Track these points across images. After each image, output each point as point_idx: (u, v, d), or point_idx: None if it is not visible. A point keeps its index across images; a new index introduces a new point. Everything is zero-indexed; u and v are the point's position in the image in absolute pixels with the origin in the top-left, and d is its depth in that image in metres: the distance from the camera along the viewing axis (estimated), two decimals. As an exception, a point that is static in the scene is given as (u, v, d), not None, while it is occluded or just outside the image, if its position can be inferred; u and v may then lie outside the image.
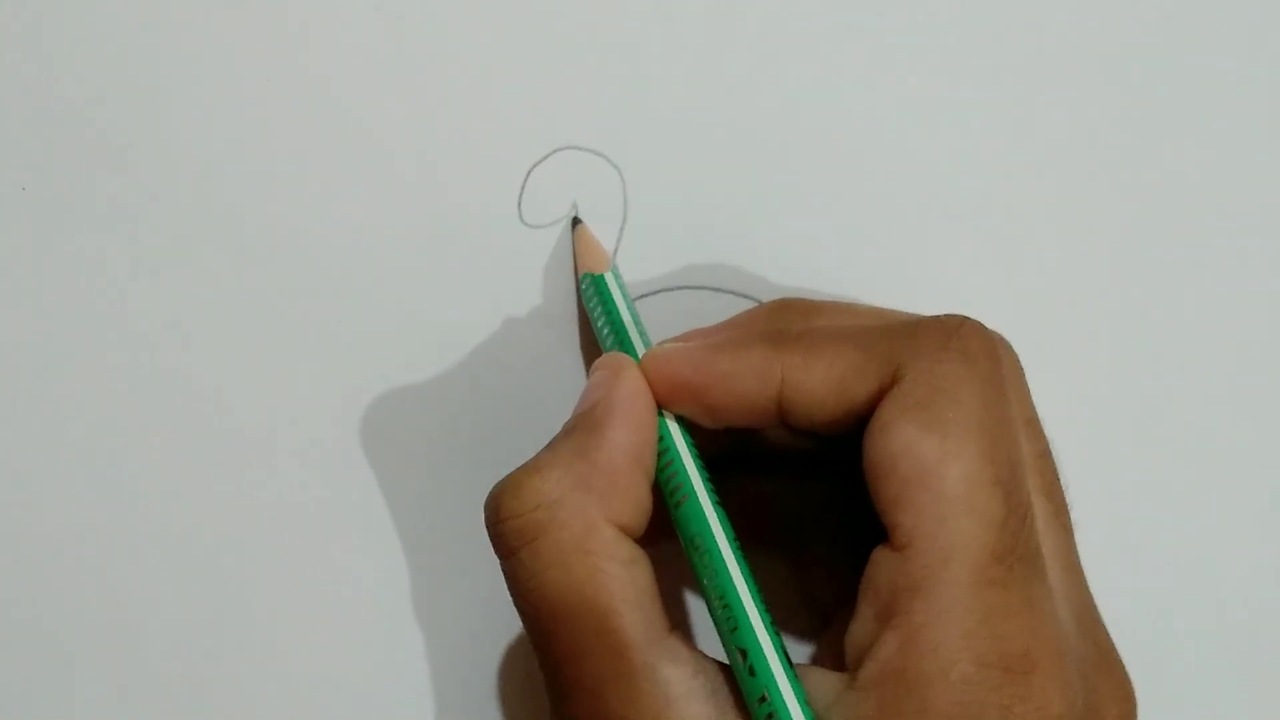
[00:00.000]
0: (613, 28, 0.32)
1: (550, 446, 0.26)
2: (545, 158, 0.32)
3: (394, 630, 0.32)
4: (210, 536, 0.32)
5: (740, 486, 0.28)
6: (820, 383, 0.25)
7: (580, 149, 0.32)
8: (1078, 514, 0.31)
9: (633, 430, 0.25)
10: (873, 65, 0.33)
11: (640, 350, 0.28)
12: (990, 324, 0.30)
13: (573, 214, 0.32)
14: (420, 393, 0.32)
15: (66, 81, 0.32)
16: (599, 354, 0.29)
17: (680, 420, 0.27)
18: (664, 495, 0.26)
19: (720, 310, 0.32)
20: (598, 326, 0.30)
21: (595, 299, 0.30)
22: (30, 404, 0.32)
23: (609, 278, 0.30)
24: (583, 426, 0.26)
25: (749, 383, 0.25)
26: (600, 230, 0.32)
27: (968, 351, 0.24)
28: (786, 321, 0.28)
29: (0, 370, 0.32)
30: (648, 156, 0.32)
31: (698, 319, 0.32)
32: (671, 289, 0.32)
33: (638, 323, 0.29)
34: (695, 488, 0.26)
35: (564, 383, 0.32)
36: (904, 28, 0.33)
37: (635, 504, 0.25)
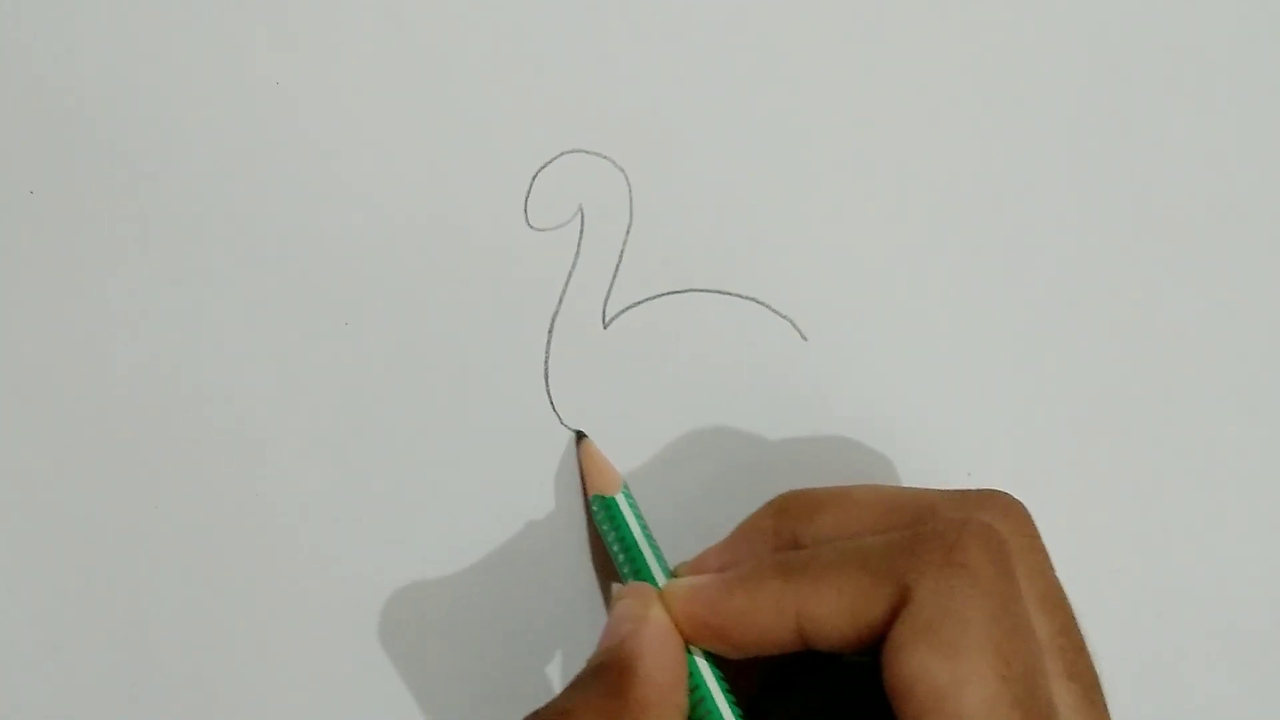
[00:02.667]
0: (619, 31, 0.32)
1: (578, 686, 0.25)
2: (551, 161, 0.32)
3: (396, 629, 0.32)
4: (212, 536, 0.32)
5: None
6: (833, 611, 0.24)
7: (586, 152, 0.32)
8: (1079, 512, 0.31)
9: (665, 669, 0.25)
10: (878, 68, 0.33)
11: (659, 576, 0.28)
12: (991, 325, 0.30)
13: (577, 430, 0.32)
14: (422, 397, 0.32)
15: (74, 85, 0.32)
16: (603, 558, 0.30)
17: (708, 654, 0.27)
18: None
19: (725, 313, 0.32)
20: (611, 548, 0.30)
21: (607, 521, 0.30)
22: (35, 404, 0.32)
23: (620, 500, 0.30)
24: (613, 665, 0.25)
25: (766, 618, 0.25)
26: (606, 233, 0.32)
27: (971, 565, 0.24)
28: (797, 530, 0.27)
29: (5, 370, 0.32)
30: (654, 159, 0.32)
31: (702, 322, 0.32)
32: (677, 292, 0.32)
33: (652, 544, 0.29)
34: None
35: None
36: (909, 32, 0.33)
37: None
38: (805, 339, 0.32)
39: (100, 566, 0.32)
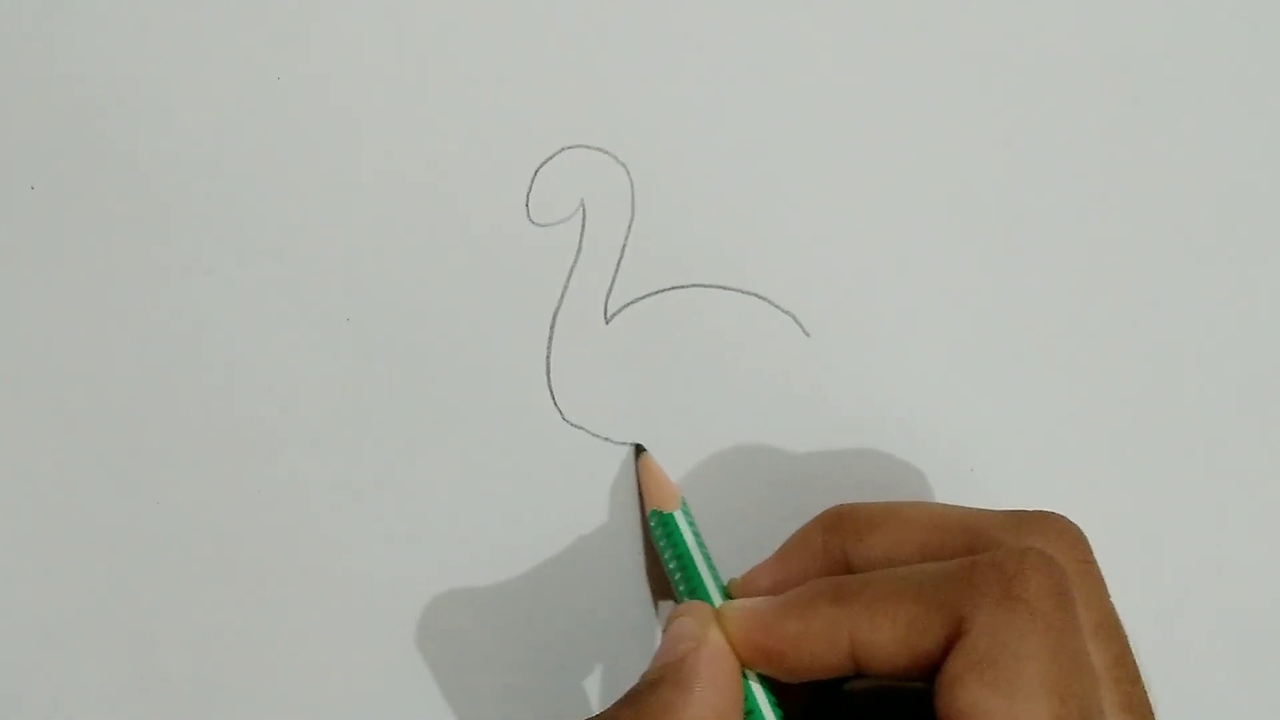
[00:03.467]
0: (621, 25, 0.32)
1: (633, 701, 0.25)
2: (553, 156, 0.32)
3: (400, 629, 0.32)
4: (213, 533, 0.32)
5: None
6: (888, 639, 0.24)
7: (588, 147, 0.32)
8: (1082, 509, 0.31)
9: (722, 690, 0.25)
10: (881, 63, 0.33)
11: (714, 595, 0.28)
12: (995, 321, 0.30)
13: (636, 444, 0.32)
14: (423, 393, 0.32)
15: (74, 80, 0.32)
16: (657, 571, 0.30)
17: (761, 678, 0.27)
18: None
19: (728, 308, 0.32)
20: (667, 564, 0.30)
21: (664, 538, 0.30)
22: (37, 401, 0.32)
23: (679, 517, 0.30)
24: (670, 681, 0.25)
25: (819, 643, 0.25)
26: (608, 228, 0.32)
27: (1029, 599, 0.24)
28: (847, 547, 0.27)
29: (7, 368, 0.32)
30: (655, 154, 0.32)
31: (704, 317, 0.32)
32: (679, 287, 0.32)
33: (709, 561, 0.29)
34: None
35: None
36: (913, 26, 0.33)
37: None
38: (808, 335, 0.32)
39: (101, 566, 0.32)
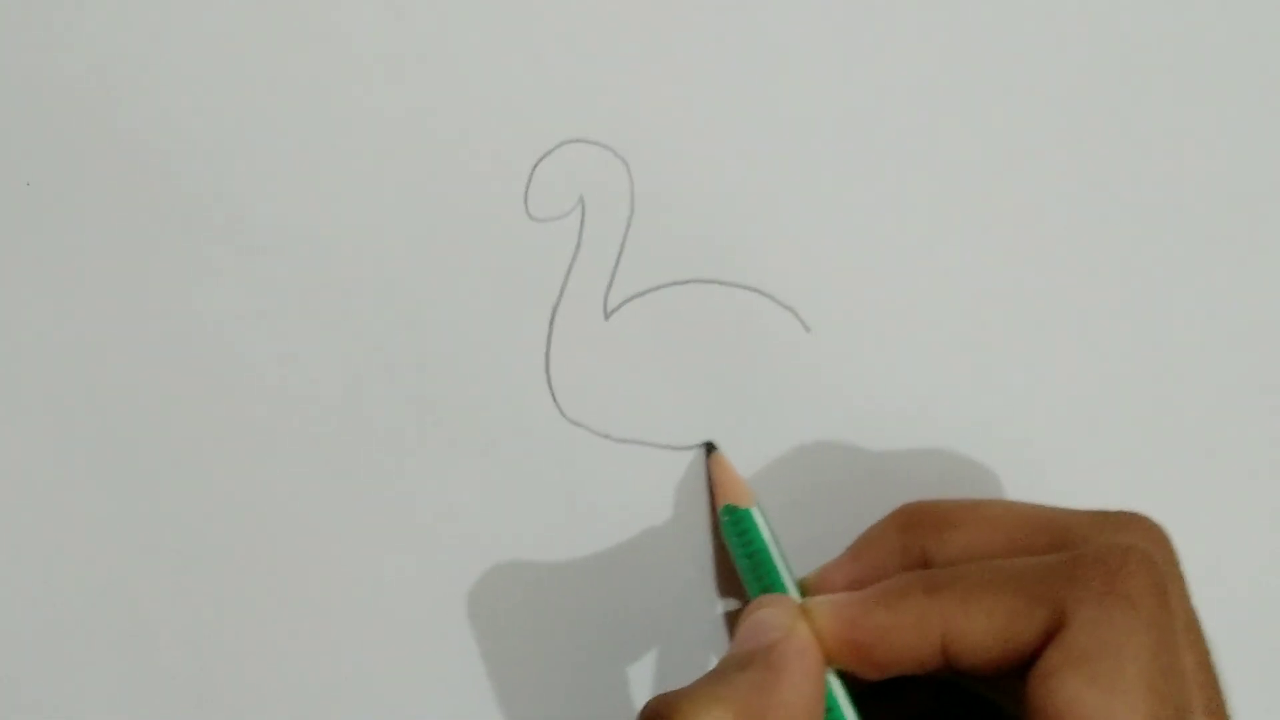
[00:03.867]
0: (619, 20, 0.32)
1: (723, 677, 0.25)
2: (552, 150, 0.32)
3: (398, 627, 0.32)
4: (211, 535, 0.32)
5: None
6: (983, 632, 0.24)
7: (587, 142, 0.32)
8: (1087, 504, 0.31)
9: (810, 681, 0.25)
10: (881, 58, 0.33)
11: (793, 592, 0.28)
12: (996, 316, 0.30)
13: (707, 442, 0.32)
14: (422, 389, 0.32)
15: (71, 77, 0.32)
16: (726, 566, 0.30)
17: (839, 675, 0.27)
18: None
19: (728, 304, 0.32)
20: (740, 560, 0.30)
21: (738, 534, 0.30)
22: (34, 401, 0.32)
23: (755, 513, 0.30)
24: (760, 665, 0.25)
25: (909, 636, 0.25)
26: (607, 224, 0.32)
27: (1131, 594, 0.24)
28: (927, 545, 0.27)
29: (3, 366, 0.32)
30: (655, 149, 0.32)
31: (704, 313, 0.32)
32: (679, 283, 0.32)
33: (784, 558, 0.29)
34: None
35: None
36: (913, 24, 0.33)
37: None
38: (808, 330, 0.32)
39: (101, 566, 0.32)
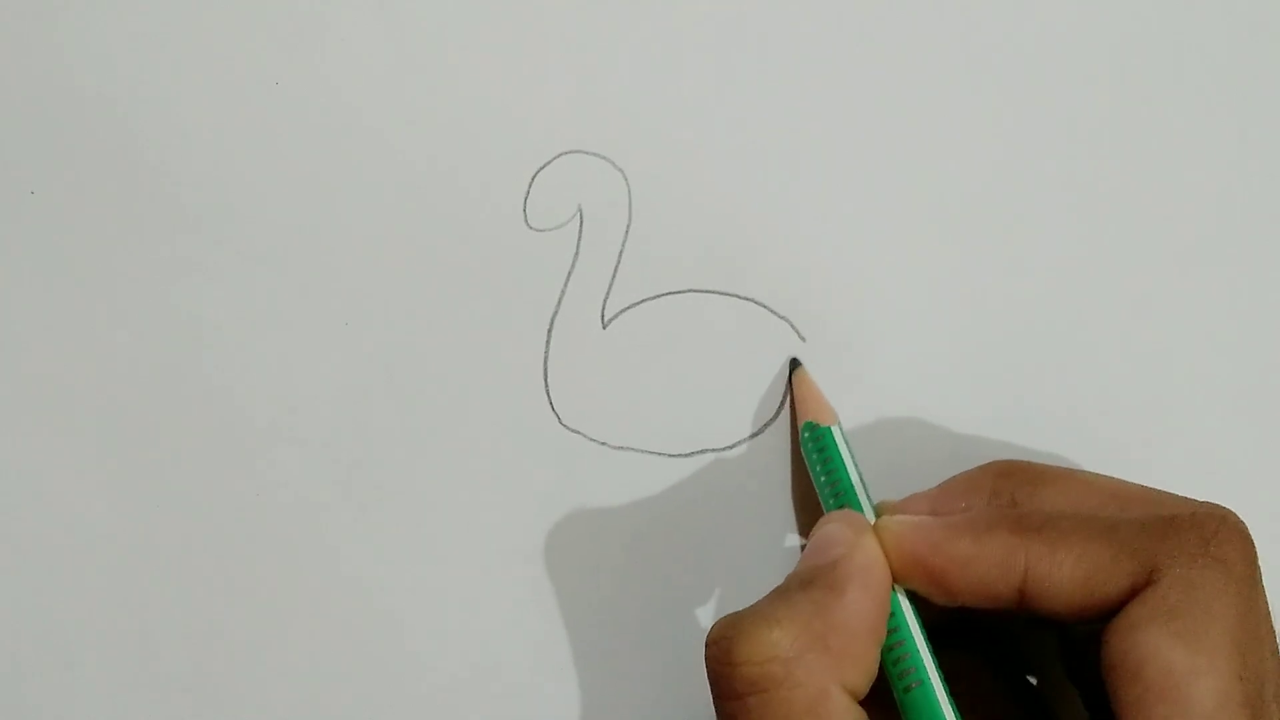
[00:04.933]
0: (618, 32, 0.32)
1: (785, 597, 0.25)
2: (550, 161, 0.32)
3: (396, 632, 0.32)
4: (212, 537, 0.32)
5: (955, 660, 0.28)
6: (1067, 577, 0.24)
7: (585, 153, 0.32)
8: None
9: (873, 598, 0.25)
10: (877, 70, 0.33)
11: (868, 510, 0.28)
12: (989, 326, 0.30)
13: (793, 358, 0.32)
14: (421, 398, 0.32)
15: (74, 85, 0.32)
16: (805, 487, 0.30)
17: (910, 595, 0.26)
18: (888, 672, 0.26)
19: (725, 313, 0.32)
20: (819, 478, 0.29)
21: (817, 451, 0.30)
22: (37, 405, 0.32)
23: (836, 432, 0.30)
24: (821, 583, 0.25)
25: (990, 569, 0.25)
26: (605, 234, 0.32)
27: (1226, 559, 0.24)
28: (1017, 494, 0.27)
29: (7, 370, 0.32)
30: (652, 160, 0.32)
31: (701, 322, 0.32)
32: (676, 293, 0.32)
33: (862, 480, 0.29)
34: (929, 675, 0.25)
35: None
36: (908, 34, 0.33)
37: (866, 672, 0.25)
38: (804, 340, 0.32)
39: (100, 567, 0.32)
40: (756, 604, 0.25)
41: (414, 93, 0.32)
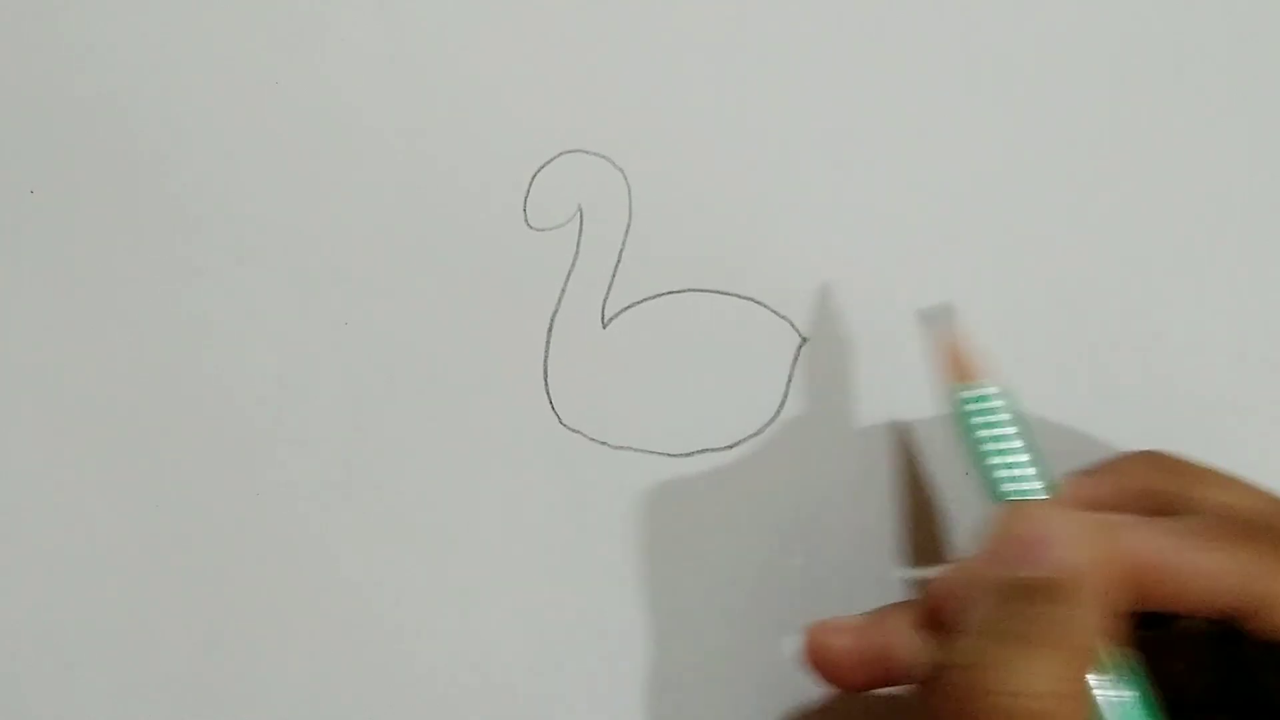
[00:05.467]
0: (619, 32, 0.32)
1: (1018, 612, 0.23)
2: (550, 161, 0.32)
3: (396, 631, 0.32)
4: (212, 535, 0.32)
5: None
6: None
7: (585, 152, 0.32)
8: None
9: (1107, 609, 0.23)
10: (876, 68, 0.33)
11: (1043, 491, 0.25)
12: (989, 328, 0.30)
13: (935, 310, 0.28)
14: (421, 397, 0.32)
15: (73, 85, 0.32)
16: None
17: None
18: None
19: (724, 312, 0.32)
20: (981, 448, 0.26)
21: (980, 416, 0.26)
22: (37, 404, 0.32)
23: (1003, 400, 0.26)
24: (1061, 598, 0.23)
25: (1220, 584, 0.23)
26: (605, 233, 0.32)
27: None
28: (1173, 487, 0.25)
29: (6, 369, 0.32)
30: (653, 159, 0.32)
31: (701, 321, 0.32)
32: (676, 292, 0.32)
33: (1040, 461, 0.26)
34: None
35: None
36: (907, 33, 0.33)
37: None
38: (804, 339, 0.32)
39: (100, 566, 0.32)
40: (993, 620, 0.23)
41: (414, 92, 0.32)
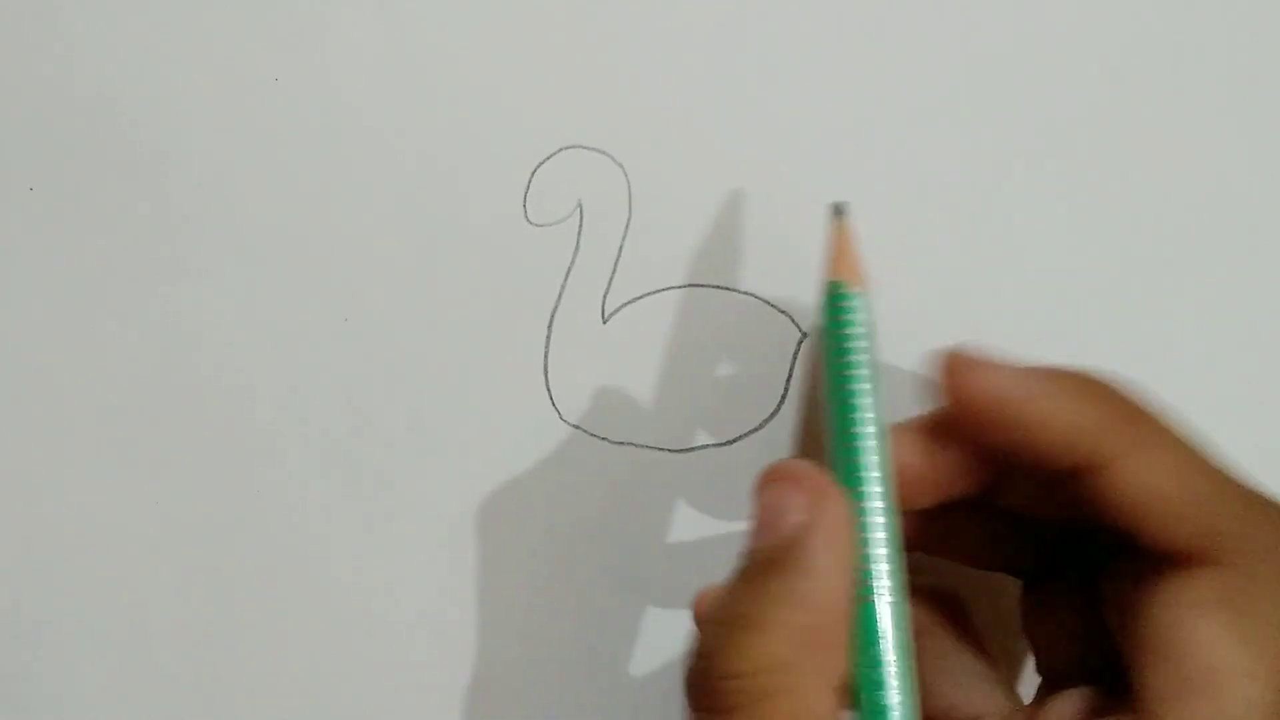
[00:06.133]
0: (618, 27, 0.32)
1: (759, 590, 0.23)
2: (550, 156, 0.32)
3: (397, 628, 0.32)
4: (212, 534, 0.32)
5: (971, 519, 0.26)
6: (1150, 493, 0.22)
7: (585, 148, 0.32)
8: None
9: (847, 573, 0.23)
10: (876, 65, 0.33)
11: (874, 431, 0.25)
12: (987, 325, 0.30)
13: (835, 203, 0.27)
14: (422, 393, 0.32)
15: (74, 82, 0.32)
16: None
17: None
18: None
19: (726, 309, 0.32)
20: (829, 364, 0.26)
21: (834, 322, 0.26)
22: (35, 402, 0.32)
23: (860, 303, 0.26)
24: (793, 567, 0.22)
25: (1080, 436, 0.23)
26: (605, 228, 0.32)
27: None
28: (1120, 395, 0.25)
29: (7, 368, 0.32)
30: (652, 155, 0.32)
31: (701, 317, 0.32)
32: (676, 287, 0.32)
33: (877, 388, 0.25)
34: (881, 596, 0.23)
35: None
36: (907, 29, 0.33)
37: (846, 656, 0.23)
38: (804, 334, 0.32)
39: (100, 566, 0.32)
40: (731, 603, 0.23)
41: (414, 88, 0.32)
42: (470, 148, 0.32)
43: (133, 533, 0.32)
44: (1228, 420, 0.33)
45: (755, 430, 0.32)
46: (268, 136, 0.32)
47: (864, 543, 0.24)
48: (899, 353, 0.32)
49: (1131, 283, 0.33)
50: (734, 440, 0.32)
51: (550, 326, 0.32)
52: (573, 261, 0.32)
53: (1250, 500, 0.23)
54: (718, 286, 0.32)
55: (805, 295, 0.32)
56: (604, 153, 0.32)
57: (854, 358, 0.25)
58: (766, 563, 0.23)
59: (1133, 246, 0.33)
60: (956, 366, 0.24)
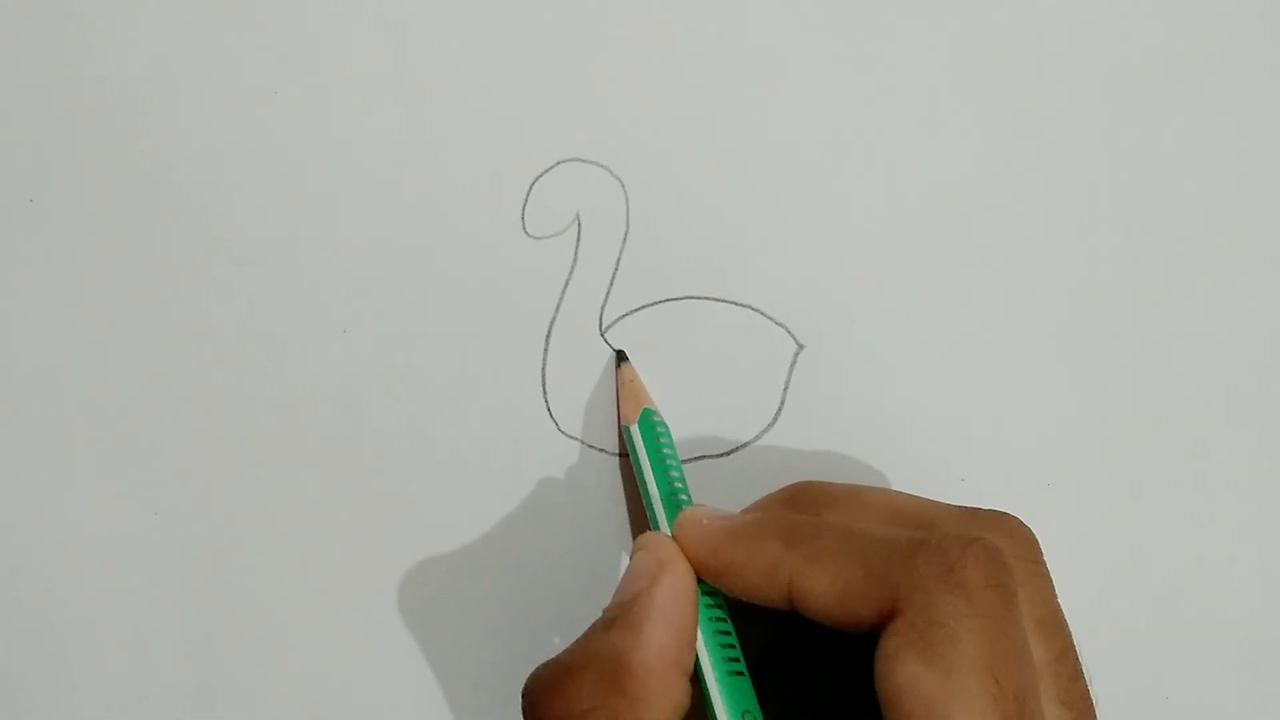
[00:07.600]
0: (616, 40, 0.33)
1: (587, 643, 0.26)
2: (549, 169, 0.32)
3: (397, 636, 0.32)
4: (209, 543, 0.32)
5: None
6: (825, 593, 0.25)
7: (583, 161, 0.32)
8: (1072, 519, 0.31)
9: (673, 631, 0.25)
10: (873, 76, 0.33)
11: (663, 519, 0.28)
12: (985, 333, 0.30)
13: (618, 350, 0.32)
14: (420, 405, 0.32)
15: (73, 94, 0.32)
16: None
17: (717, 628, 0.27)
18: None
19: (721, 320, 0.32)
20: (640, 477, 0.30)
21: (631, 451, 0.30)
22: (34, 411, 0.32)
23: (635, 431, 0.30)
24: (621, 624, 0.25)
25: (758, 578, 0.26)
26: (603, 241, 0.32)
27: (968, 586, 0.24)
28: (800, 510, 0.28)
29: (6, 376, 0.32)
30: (650, 168, 0.32)
31: (698, 329, 0.32)
32: (673, 299, 0.32)
33: (672, 475, 0.29)
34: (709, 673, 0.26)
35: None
36: (904, 41, 0.33)
37: (674, 704, 0.25)
38: (801, 346, 0.32)
39: (100, 567, 0.32)
40: (562, 653, 0.26)
41: (412, 100, 0.32)
42: (469, 160, 0.32)
43: (133, 537, 0.32)
44: (1228, 420, 0.33)
45: (751, 442, 0.32)
46: (266, 150, 0.32)
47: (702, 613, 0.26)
48: (896, 361, 0.33)
49: (1133, 284, 0.33)
50: (730, 452, 0.32)
51: (548, 338, 0.32)
52: (570, 274, 0.32)
53: (914, 539, 0.25)
54: (715, 299, 0.32)
55: (802, 307, 0.32)
56: (602, 166, 0.32)
57: (649, 489, 0.29)
58: (607, 620, 0.26)
59: (1133, 247, 0.33)
60: (680, 524, 0.27)
